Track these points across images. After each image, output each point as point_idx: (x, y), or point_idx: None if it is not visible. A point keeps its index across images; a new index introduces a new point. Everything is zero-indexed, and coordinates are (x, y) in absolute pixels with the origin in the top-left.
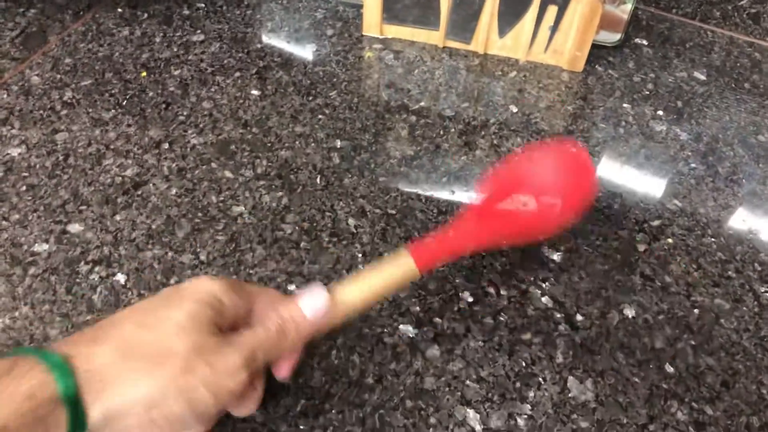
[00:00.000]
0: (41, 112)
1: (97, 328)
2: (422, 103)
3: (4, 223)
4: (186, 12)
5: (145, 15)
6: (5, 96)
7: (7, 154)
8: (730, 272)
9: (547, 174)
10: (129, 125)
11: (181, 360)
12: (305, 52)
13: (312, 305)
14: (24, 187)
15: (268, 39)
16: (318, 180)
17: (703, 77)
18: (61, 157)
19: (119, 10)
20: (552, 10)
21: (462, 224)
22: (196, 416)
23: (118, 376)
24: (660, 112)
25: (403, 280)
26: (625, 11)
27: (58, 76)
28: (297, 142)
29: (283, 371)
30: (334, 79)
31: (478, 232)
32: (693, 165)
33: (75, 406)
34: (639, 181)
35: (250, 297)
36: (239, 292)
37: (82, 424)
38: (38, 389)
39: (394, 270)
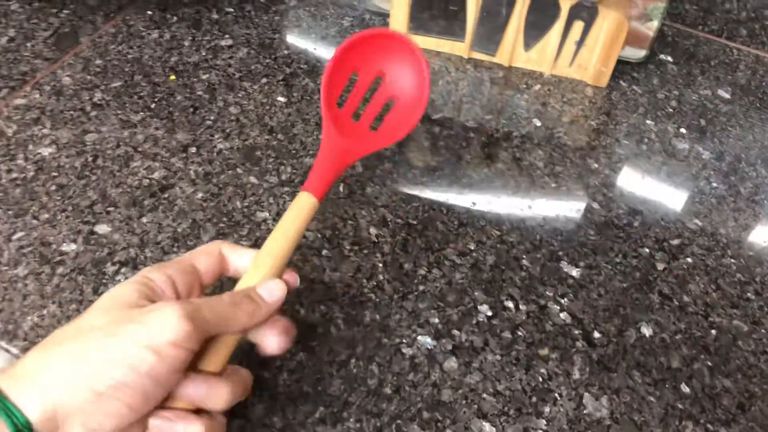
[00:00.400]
0: (72, 112)
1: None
2: (445, 114)
3: (33, 221)
4: (215, 16)
5: (175, 18)
6: (37, 96)
7: (38, 153)
8: (749, 294)
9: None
10: (157, 128)
11: (103, 328)
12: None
13: (269, 290)
14: (53, 187)
15: (295, 46)
16: (341, 188)
17: (727, 95)
18: (90, 158)
19: (149, 12)
20: (578, 26)
21: (327, 141)
22: (147, 377)
23: (45, 368)
24: (683, 130)
25: (310, 214)
26: (651, 28)
27: (89, 77)
28: None
29: (270, 344)
30: None
31: (351, 149)
32: (714, 184)
33: (6, 410)
34: (660, 199)
35: (184, 263)
36: (169, 265)
37: (22, 422)
38: None
39: (299, 209)
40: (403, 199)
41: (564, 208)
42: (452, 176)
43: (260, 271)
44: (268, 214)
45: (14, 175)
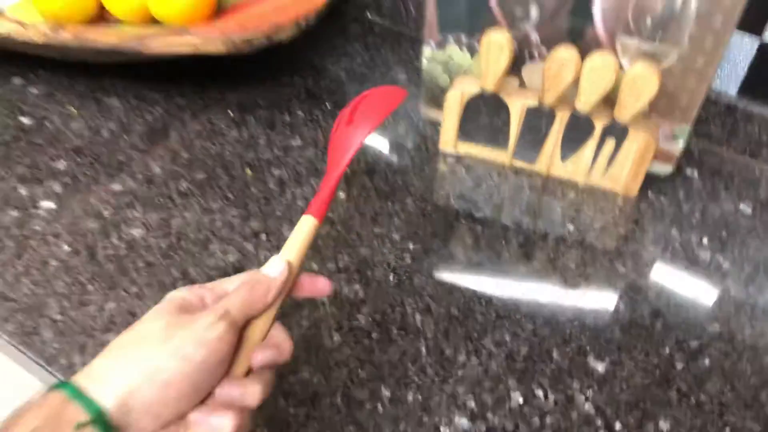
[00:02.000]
0: (160, 198)
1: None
2: (488, 215)
3: (123, 294)
4: (287, 118)
5: (252, 119)
6: (131, 182)
7: (130, 233)
8: (762, 397)
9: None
10: (233, 216)
11: (158, 332)
12: (387, 161)
13: (272, 266)
14: (142, 264)
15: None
16: (391, 277)
17: (749, 210)
18: (174, 240)
19: (230, 113)
20: (610, 143)
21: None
22: (201, 367)
23: (114, 368)
24: (705, 241)
25: (312, 233)
26: (677, 147)
27: (176, 168)
28: (375, 242)
29: (318, 289)
30: (411, 188)
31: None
32: (733, 293)
33: (84, 401)
34: (682, 303)
35: (216, 287)
36: (200, 287)
37: (96, 411)
38: (50, 397)
39: (304, 229)
40: (447, 291)
41: (593, 306)
42: (492, 272)
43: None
44: (325, 297)
45: (109, 252)
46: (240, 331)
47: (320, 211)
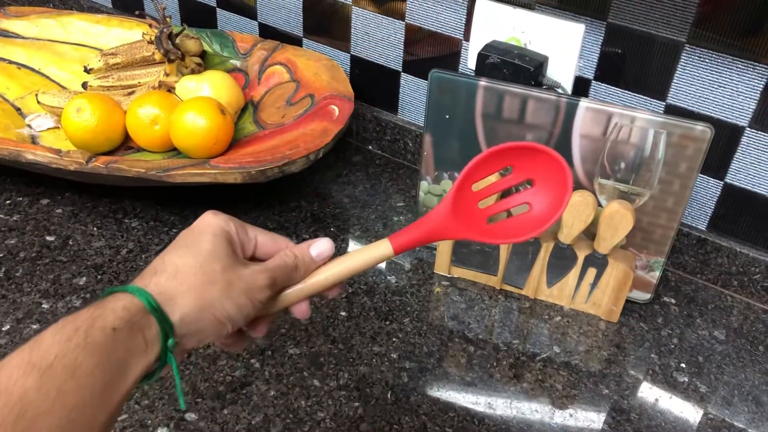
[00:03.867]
0: None
1: (153, 266)
2: (480, 336)
3: (135, 406)
4: (295, 241)
5: None
6: None
7: None
8: None
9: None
10: None
11: (222, 276)
12: (386, 282)
13: (320, 249)
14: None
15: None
16: (389, 395)
17: (722, 337)
18: (185, 355)
19: None
20: (592, 272)
21: (436, 217)
22: (242, 316)
23: (183, 293)
24: (683, 365)
25: (383, 257)
26: (654, 277)
27: None
28: (374, 360)
29: (259, 331)
30: (408, 308)
31: (451, 228)
32: (711, 416)
33: (159, 313)
34: (661, 424)
35: (250, 232)
36: (240, 227)
37: (169, 325)
38: (130, 304)
39: (376, 251)
40: (441, 409)
41: (579, 426)
42: (484, 391)
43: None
44: (326, 414)
45: None
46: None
47: (401, 245)
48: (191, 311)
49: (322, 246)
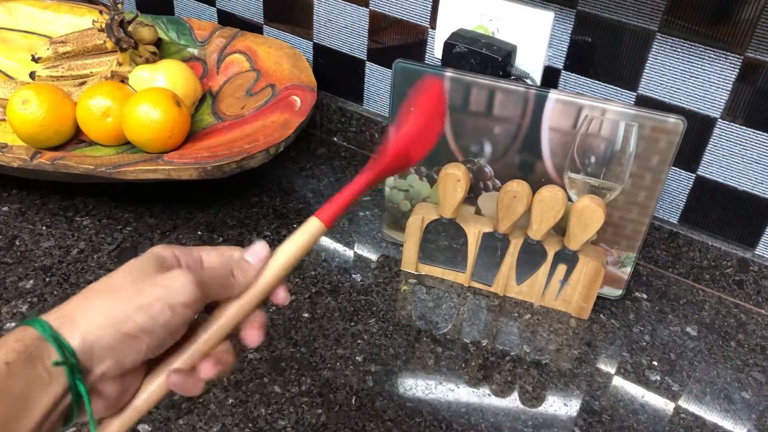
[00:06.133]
0: None
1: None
2: (448, 336)
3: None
4: (255, 238)
5: (221, 239)
6: None
7: None
8: None
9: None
10: None
11: (130, 286)
12: (351, 281)
13: (254, 252)
14: None
15: (321, 268)
16: (353, 401)
17: (694, 333)
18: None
19: (199, 233)
20: (562, 268)
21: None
22: (163, 328)
23: (84, 312)
24: (655, 363)
25: (315, 236)
26: (625, 273)
27: None
28: (338, 364)
29: (251, 335)
30: (374, 308)
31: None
32: (683, 415)
33: (55, 338)
34: (634, 425)
35: (194, 252)
36: (181, 249)
37: (69, 351)
38: (23, 335)
39: (306, 231)
40: (408, 414)
41: (549, 429)
42: (452, 393)
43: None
44: (287, 422)
45: None
46: (206, 303)
47: (329, 216)
48: (93, 329)
49: (255, 247)
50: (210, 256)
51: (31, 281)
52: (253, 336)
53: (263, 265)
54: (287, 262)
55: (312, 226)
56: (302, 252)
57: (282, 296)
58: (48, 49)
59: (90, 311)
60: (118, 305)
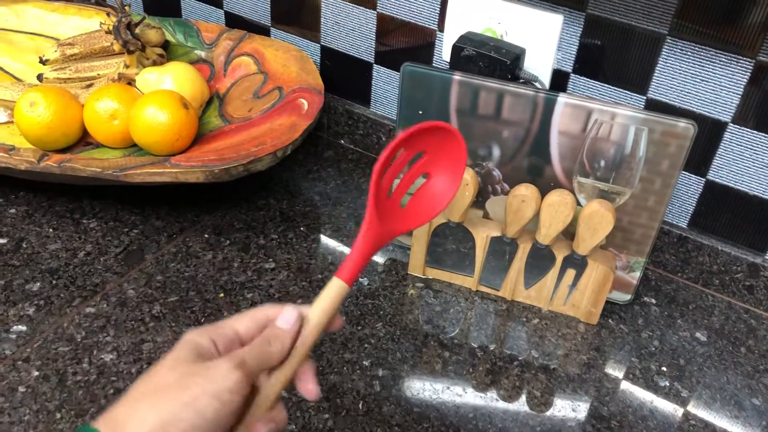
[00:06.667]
0: (133, 322)
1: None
2: (455, 340)
3: (92, 422)
4: (262, 241)
5: (227, 242)
6: (105, 306)
7: (101, 358)
8: None
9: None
10: None
11: (175, 383)
12: (358, 284)
13: (284, 317)
14: (111, 390)
15: (329, 271)
16: (360, 405)
17: (704, 338)
18: (145, 365)
19: (206, 235)
20: (571, 273)
21: (369, 233)
22: (212, 421)
23: (130, 415)
24: (664, 368)
25: (341, 296)
26: (634, 277)
27: (150, 291)
28: (345, 368)
29: (307, 390)
30: (381, 312)
31: (384, 233)
32: (693, 421)
33: None
34: (643, 430)
35: (226, 326)
36: (213, 327)
37: None
38: None
39: (331, 292)
40: (415, 419)
41: None
42: (459, 398)
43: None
44: (294, 426)
45: (79, 378)
46: (253, 381)
47: (350, 276)
48: None
49: (285, 313)
50: (244, 324)
51: (38, 283)
52: (310, 391)
53: (297, 328)
54: (323, 322)
55: (336, 286)
56: (333, 312)
57: (311, 388)
58: (55, 51)
59: (138, 414)
60: (165, 405)
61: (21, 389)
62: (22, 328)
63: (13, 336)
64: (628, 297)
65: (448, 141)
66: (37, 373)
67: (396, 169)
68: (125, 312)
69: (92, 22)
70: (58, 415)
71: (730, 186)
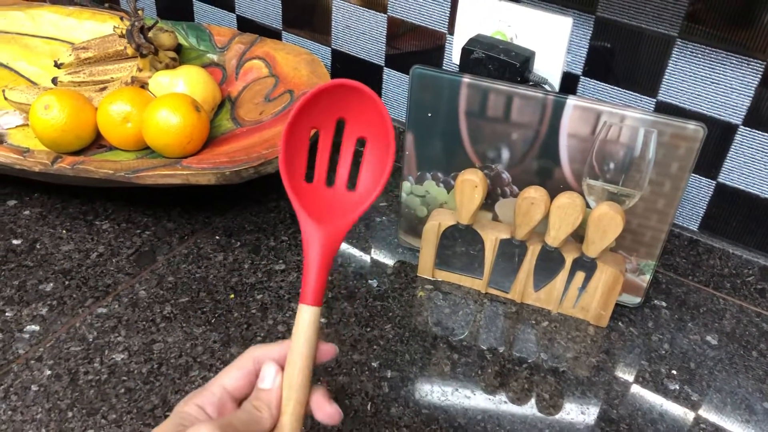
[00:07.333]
0: (144, 323)
1: None
2: (464, 342)
3: (102, 421)
4: (272, 243)
5: (238, 243)
6: (117, 306)
7: (112, 358)
8: None
9: None
10: (215, 341)
11: None
12: (367, 286)
13: (265, 380)
14: (122, 390)
15: (338, 273)
16: (368, 407)
17: (714, 342)
18: (155, 366)
19: (217, 237)
20: (580, 275)
21: (314, 243)
22: None
23: None
24: (674, 372)
25: (315, 320)
26: (644, 280)
27: (161, 291)
28: (354, 369)
29: (327, 414)
30: (390, 314)
31: (330, 235)
32: (703, 425)
33: None
34: None
35: (214, 388)
36: (200, 393)
37: None
38: None
39: (305, 323)
40: (423, 421)
41: None
42: (468, 401)
43: (288, 404)
44: (303, 427)
45: (90, 377)
46: None
47: (314, 297)
48: None
49: (264, 373)
50: (232, 378)
51: (51, 284)
52: (330, 414)
53: (279, 383)
54: (307, 362)
55: (305, 313)
56: (313, 344)
57: (330, 411)
58: (70, 55)
59: None
60: None
61: (34, 388)
62: (35, 327)
63: (27, 335)
64: (638, 300)
65: (359, 102)
66: (49, 372)
67: (323, 153)
68: (137, 312)
69: (106, 26)
70: (70, 414)
71: (741, 189)
